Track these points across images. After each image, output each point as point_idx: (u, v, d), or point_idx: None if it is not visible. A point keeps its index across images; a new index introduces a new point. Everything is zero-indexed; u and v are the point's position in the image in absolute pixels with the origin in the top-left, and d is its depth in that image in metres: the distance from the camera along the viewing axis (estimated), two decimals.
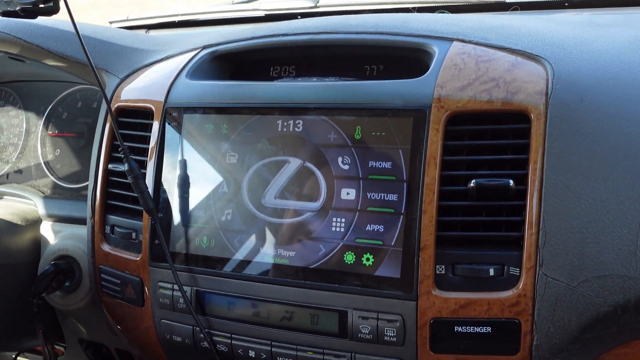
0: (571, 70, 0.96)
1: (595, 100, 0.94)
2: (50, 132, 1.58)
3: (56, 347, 1.62)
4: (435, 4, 1.58)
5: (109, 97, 1.27)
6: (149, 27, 1.94)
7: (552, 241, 0.91)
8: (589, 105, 0.93)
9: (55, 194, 1.52)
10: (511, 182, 0.93)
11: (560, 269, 0.91)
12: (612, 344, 0.98)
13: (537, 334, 0.93)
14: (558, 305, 0.92)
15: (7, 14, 1.05)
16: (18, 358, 1.69)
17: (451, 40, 1.06)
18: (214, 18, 1.89)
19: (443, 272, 0.96)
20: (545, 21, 1.23)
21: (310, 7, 1.73)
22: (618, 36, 1.09)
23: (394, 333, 0.97)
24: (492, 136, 0.96)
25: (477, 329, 0.94)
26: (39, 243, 1.44)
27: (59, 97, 1.59)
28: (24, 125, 1.62)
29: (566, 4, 1.49)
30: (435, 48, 1.05)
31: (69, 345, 1.57)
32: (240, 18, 1.84)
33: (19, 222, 1.42)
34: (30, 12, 0.97)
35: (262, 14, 1.79)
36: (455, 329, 0.95)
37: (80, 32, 1.05)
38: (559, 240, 0.91)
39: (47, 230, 1.45)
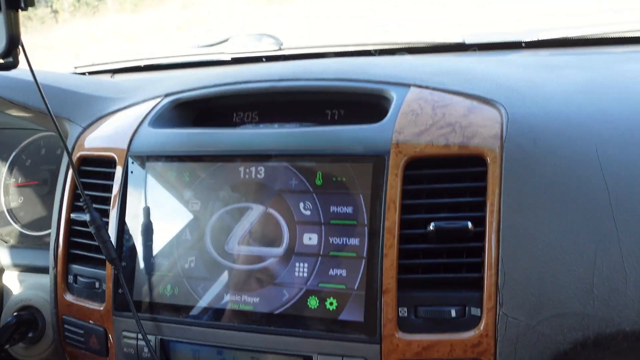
0: (525, 114, 0.99)
1: (548, 142, 0.96)
2: (14, 180, 1.56)
3: None
4: (396, 46, 1.61)
5: (71, 145, 1.27)
6: (114, 71, 1.95)
7: (510, 281, 0.93)
8: (543, 148, 0.96)
9: (19, 242, 1.51)
10: (469, 224, 0.95)
11: (519, 308, 0.92)
12: None
13: None
14: (519, 344, 0.93)
15: None
16: None
17: (408, 85, 1.08)
18: (180, 62, 1.90)
19: (406, 314, 0.96)
20: (502, 63, 1.27)
21: (275, 50, 1.76)
22: (570, 78, 1.13)
23: None
24: (450, 179, 0.98)
25: None
26: (1, 293, 1.42)
27: (22, 145, 1.58)
28: None
29: (523, 45, 1.53)
30: (393, 94, 1.07)
31: None
32: (206, 61, 1.86)
33: None
34: None
35: (227, 57, 1.81)
36: None
37: (42, 82, 1.05)
38: (517, 281, 0.93)
39: (10, 280, 1.43)
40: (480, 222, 0.95)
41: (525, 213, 0.94)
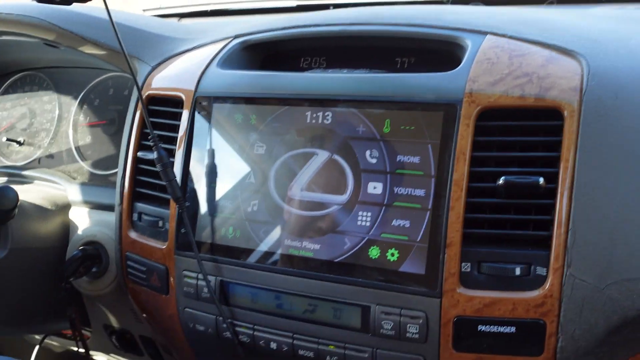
0: (607, 67, 0.94)
1: (631, 97, 0.91)
2: (82, 119, 1.59)
3: (82, 331, 1.64)
4: None
5: (140, 84, 1.28)
6: (181, 15, 1.95)
7: (581, 242, 0.89)
8: (625, 103, 0.91)
9: (86, 180, 1.54)
10: (541, 180, 0.91)
11: (588, 270, 0.89)
12: (638, 348, 0.96)
13: (562, 336, 0.91)
14: (585, 307, 0.90)
15: (43, 0, 1.06)
16: (45, 340, 1.72)
17: (485, 33, 1.04)
18: (246, 8, 1.89)
19: (468, 270, 0.94)
20: (582, 15, 1.21)
21: None
22: None
23: (416, 330, 0.96)
24: (523, 133, 0.94)
25: (501, 329, 0.93)
26: (67, 228, 1.45)
27: (91, 84, 1.60)
28: (57, 111, 1.63)
29: None
30: (468, 41, 1.03)
31: (94, 331, 1.59)
32: (272, 8, 1.84)
33: (49, 207, 1.43)
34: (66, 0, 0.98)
35: (294, 4, 1.79)
36: (479, 328, 0.94)
37: (113, 20, 1.06)
38: (588, 241, 0.89)
39: (76, 215, 1.46)
40: (552, 178, 0.92)
41: (601, 171, 0.89)
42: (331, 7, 1.73)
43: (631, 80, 0.93)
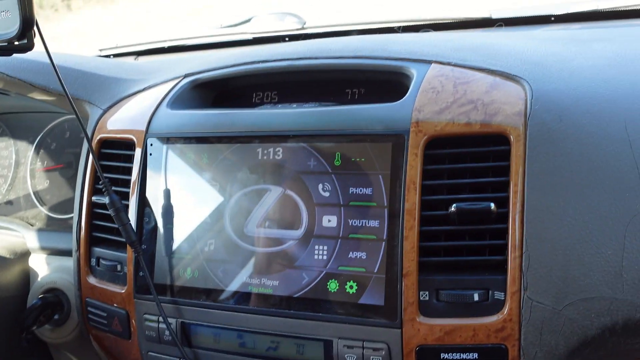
0: (550, 90, 0.95)
1: (574, 119, 0.93)
2: (39, 163, 1.57)
3: None
4: (421, 22, 1.58)
5: (92, 128, 1.27)
6: (138, 53, 1.94)
7: (536, 264, 0.90)
8: (568, 125, 0.92)
9: (44, 225, 1.52)
10: (492, 205, 0.92)
11: (545, 292, 0.90)
12: None
13: (524, 359, 0.91)
14: (545, 329, 0.90)
15: None
16: None
17: (429, 62, 1.05)
18: (203, 42, 1.89)
19: (427, 298, 0.94)
20: (528, 38, 1.22)
21: (297, 29, 1.73)
22: (599, 52, 1.08)
23: None
24: (472, 159, 0.95)
25: (464, 356, 0.93)
26: (27, 276, 1.43)
27: (47, 128, 1.59)
28: (14, 156, 1.62)
29: (552, 19, 1.48)
30: (414, 71, 1.04)
31: None
32: (229, 42, 1.84)
33: (8, 256, 1.41)
34: (5, 50, 0.97)
35: (250, 37, 1.80)
36: (442, 356, 0.93)
37: (62, 65, 1.05)
38: (543, 263, 0.90)
39: (35, 262, 1.44)
40: (503, 203, 0.92)
41: (550, 193, 0.90)
42: (286, 39, 1.74)
43: (574, 102, 0.94)
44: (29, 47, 0.96)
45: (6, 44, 0.96)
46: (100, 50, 2.00)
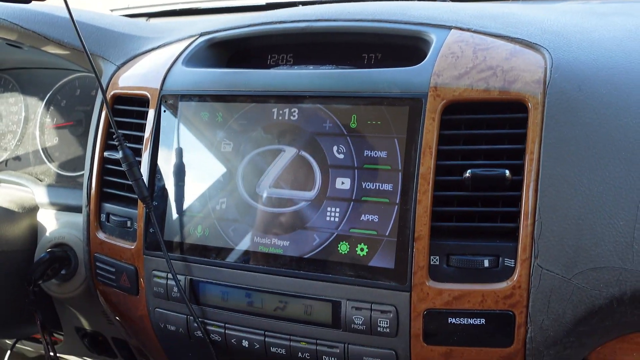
0: (570, 59, 0.95)
1: (594, 89, 0.92)
2: (49, 120, 1.57)
3: (55, 335, 1.62)
4: None
5: (105, 84, 1.26)
6: (150, 15, 1.94)
7: (547, 233, 0.90)
8: (587, 95, 0.92)
9: (53, 181, 1.52)
10: (507, 172, 0.92)
11: (555, 260, 0.90)
12: (606, 337, 0.97)
13: (531, 326, 0.92)
14: (553, 298, 0.91)
15: None
16: (16, 345, 1.69)
17: (449, 28, 1.04)
18: (214, 6, 1.88)
19: (437, 263, 0.95)
20: (547, 10, 1.21)
21: None
22: (619, 25, 1.07)
23: (387, 324, 0.97)
24: (489, 126, 0.95)
25: (471, 321, 0.93)
26: (35, 231, 1.44)
27: (57, 85, 1.58)
28: (23, 112, 1.61)
29: None
30: (433, 36, 1.03)
31: (66, 334, 1.57)
32: (241, 6, 1.83)
33: (16, 210, 1.41)
34: None
35: (262, 2, 1.79)
36: (449, 321, 0.94)
37: (77, 19, 1.05)
38: (554, 232, 0.90)
39: (44, 218, 1.45)
40: (518, 170, 0.92)
41: (565, 162, 0.90)
42: (299, 5, 1.73)
43: (594, 72, 0.94)
44: None
45: None
46: (112, 10, 1.99)
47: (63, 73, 1.58)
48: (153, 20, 1.93)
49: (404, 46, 1.09)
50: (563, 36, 1.00)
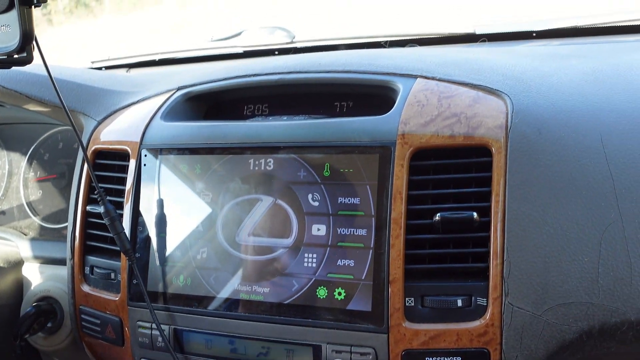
0: (529, 104, 1.00)
1: (553, 132, 0.97)
2: (32, 174, 1.60)
3: None
4: (407, 37, 1.62)
5: (86, 139, 1.30)
6: (130, 65, 1.97)
7: (516, 271, 0.93)
8: (547, 138, 0.96)
9: (38, 235, 1.54)
10: (475, 214, 0.96)
11: (525, 298, 0.93)
12: None
13: None
14: (525, 334, 0.94)
15: None
16: None
17: (415, 77, 1.09)
18: (194, 55, 1.92)
19: (412, 304, 0.98)
20: (510, 54, 1.27)
21: (287, 43, 1.77)
22: (578, 68, 1.13)
23: None
24: (456, 170, 0.99)
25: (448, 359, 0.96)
26: (21, 284, 1.45)
27: (40, 139, 1.61)
28: (7, 167, 1.64)
29: (534, 35, 1.53)
30: (400, 85, 1.08)
31: None
32: (220, 55, 1.88)
33: (1, 264, 1.43)
34: (5, 63, 1.00)
35: (240, 50, 1.83)
36: None
37: (57, 77, 1.08)
38: (523, 270, 0.93)
39: (29, 271, 1.46)
40: (485, 212, 0.96)
41: (530, 203, 0.94)
42: (276, 53, 1.78)
43: (552, 116, 0.99)
44: (28, 60, 0.99)
45: (6, 57, 0.99)
46: (92, 62, 2.03)
47: (45, 127, 1.61)
48: (133, 71, 1.97)
49: (374, 94, 1.14)
50: (523, 81, 1.05)
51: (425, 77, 1.09)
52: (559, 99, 1.01)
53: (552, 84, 1.05)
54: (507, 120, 0.98)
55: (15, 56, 0.98)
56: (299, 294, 1.03)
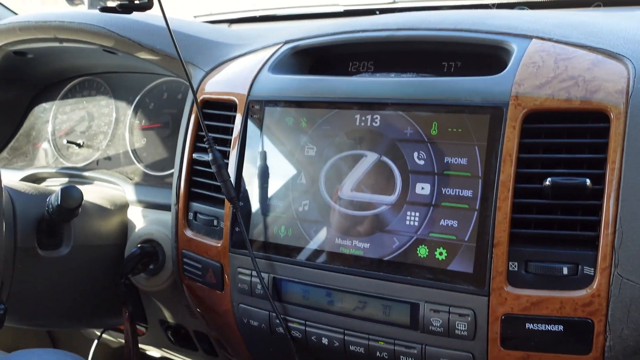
0: None
1: None
2: (138, 122, 1.65)
3: (139, 327, 1.71)
4: (515, 0, 1.57)
5: (194, 89, 1.33)
6: (231, 21, 2.00)
7: (628, 242, 0.90)
8: None
9: (142, 180, 1.60)
10: (588, 181, 0.93)
11: (636, 270, 0.90)
12: None
13: (610, 335, 0.92)
14: (633, 307, 0.91)
15: (105, 9, 1.12)
16: (103, 335, 1.78)
17: (530, 37, 1.06)
18: (294, 13, 1.93)
19: (516, 269, 0.96)
20: (629, 18, 1.21)
21: (389, 3, 1.75)
22: None
23: (465, 327, 0.99)
24: (570, 135, 0.96)
25: (549, 327, 0.95)
26: (126, 227, 1.52)
27: (146, 89, 1.67)
28: (114, 114, 1.70)
29: None
30: (514, 45, 1.05)
31: (150, 326, 1.65)
32: (319, 13, 1.88)
33: (109, 207, 1.50)
34: (127, 8, 1.04)
35: (341, 9, 1.82)
36: (527, 326, 0.95)
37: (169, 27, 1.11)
38: (635, 242, 0.90)
39: (134, 215, 1.53)
40: (599, 179, 0.93)
41: None
42: (377, 13, 1.76)
43: None
44: (148, 6, 1.02)
45: (128, 2, 1.03)
46: (195, 17, 2.07)
47: (151, 77, 1.66)
48: (235, 26, 2.00)
49: (484, 55, 1.11)
50: None
51: (542, 38, 1.05)
52: None
53: None
54: (628, 85, 0.94)
55: (137, 2, 1.01)
56: (399, 252, 1.03)
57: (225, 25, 2.00)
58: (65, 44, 1.56)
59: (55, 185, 1.68)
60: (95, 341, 1.77)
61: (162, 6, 1.06)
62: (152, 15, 1.43)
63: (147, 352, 1.91)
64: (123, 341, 1.85)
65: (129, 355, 1.49)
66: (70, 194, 1.25)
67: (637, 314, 0.91)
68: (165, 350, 1.78)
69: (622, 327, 0.92)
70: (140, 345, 1.79)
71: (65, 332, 2.10)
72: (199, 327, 1.53)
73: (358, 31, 1.21)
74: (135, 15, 1.44)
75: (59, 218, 1.29)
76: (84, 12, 1.50)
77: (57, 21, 1.48)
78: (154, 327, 1.64)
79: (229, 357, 1.56)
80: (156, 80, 1.66)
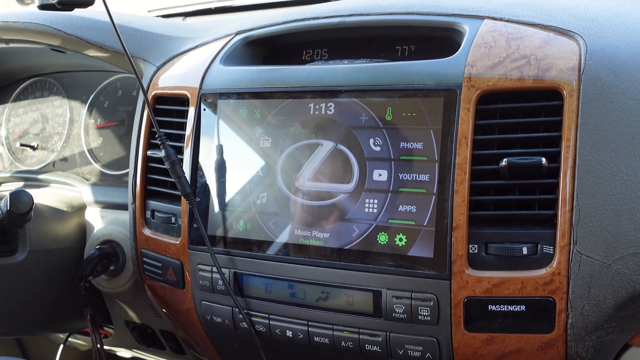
0: (605, 45, 0.95)
1: (630, 74, 0.92)
2: (93, 121, 1.62)
3: (105, 328, 1.68)
4: None
5: (146, 84, 1.30)
6: (186, 14, 1.97)
7: (586, 219, 0.90)
8: (623, 80, 0.92)
9: (99, 180, 1.57)
10: (544, 160, 0.92)
11: (594, 246, 0.90)
12: None
13: (572, 312, 0.92)
14: (593, 283, 0.91)
15: (45, 7, 1.08)
16: (69, 339, 1.75)
17: (482, 18, 1.05)
18: (249, 4, 1.90)
19: (476, 251, 0.96)
20: None
21: None
22: None
23: (428, 312, 0.98)
24: (524, 114, 0.96)
25: (511, 308, 0.94)
26: (84, 228, 1.49)
27: (100, 87, 1.63)
28: (68, 114, 1.66)
29: None
30: (466, 27, 1.04)
31: (116, 327, 1.62)
32: (274, 2, 1.85)
33: (65, 209, 1.47)
34: (67, 5, 1.00)
35: None
36: (489, 308, 0.95)
37: (117, 23, 1.08)
38: (593, 218, 0.90)
39: (92, 216, 1.50)
40: (554, 157, 0.93)
41: (602, 148, 0.91)
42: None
43: (629, 57, 0.94)
44: (89, 2, 0.99)
45: None
46: (149, 11, 2.03)
47: (104, 75, 1.63)
48: (189, 20, 1.96)
49: (437, 37, 1.11)
50: (597, 22, 1.00)
51: (493, 18, 1.04)
52: (636, 40, 0.96)
53: (629, 24, 1.00)
54: (580, 62, 0.93)
55: None
56: (359, 240, 1.02)
57: (179, 19, 1.97)
58: (12, 45, 1.52)
59: (9, 190, 1.64)
60: (62, 345, 1.73)
61: (106, 1, 1.03)
62: (99, 12, 1.39)
63: (118, 353, 1.88)
64: (90, 344, 1.82)
65: (96, 357, 1.46)
66: (20, 199, 1.22)
67: (598, 290, 0.91)
68: (135, 350, 1.75)
69: (583, 304, 0.92)
70: (109, 347, 1.77)
71: (33, 338, 2.06)
72: (164, 326, 1.51)
73: (309, 19, 1.19)
74: (83, 12, 1.40)
75: (10, 224, 1.26)
76: (29, 12, 1.46)
77: (1, 21, 1.44)
78: (119, 328, 1.62)
79: (196, 355, 1.55)
80: (110, 77, 1.63)
